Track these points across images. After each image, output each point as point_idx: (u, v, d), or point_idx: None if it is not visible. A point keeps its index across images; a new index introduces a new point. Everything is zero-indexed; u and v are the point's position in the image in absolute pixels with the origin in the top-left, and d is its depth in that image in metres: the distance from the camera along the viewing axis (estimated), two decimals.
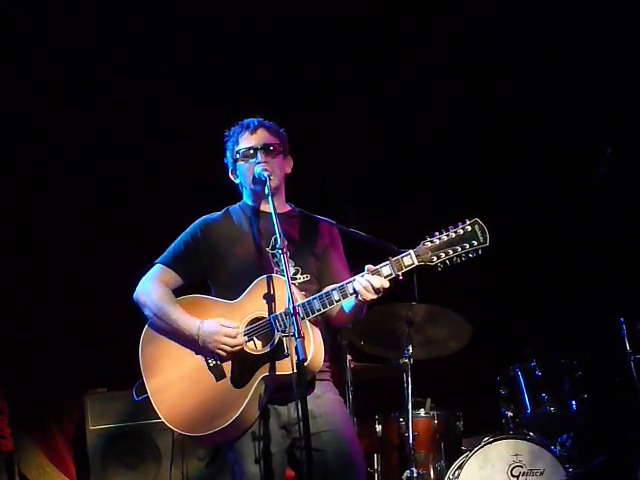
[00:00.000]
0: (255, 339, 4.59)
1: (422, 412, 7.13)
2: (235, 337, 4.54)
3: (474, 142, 8.35)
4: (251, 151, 4.85)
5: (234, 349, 4.54)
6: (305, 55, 8.00)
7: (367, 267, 4.50)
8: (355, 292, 4.47)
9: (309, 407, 4.20)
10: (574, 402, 6.91)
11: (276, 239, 4.55)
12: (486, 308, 7.97)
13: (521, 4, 7.82)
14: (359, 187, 8.11)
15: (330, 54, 8.06)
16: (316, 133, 7.86)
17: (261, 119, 4.97)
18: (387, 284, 4.46)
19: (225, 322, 4.58)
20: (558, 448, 6.82)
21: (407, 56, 8.13)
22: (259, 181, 4.77)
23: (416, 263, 4.47)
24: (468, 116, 8.32)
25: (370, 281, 4.44)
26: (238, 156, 4.89)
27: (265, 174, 4.71)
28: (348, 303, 4.62)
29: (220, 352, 4.56)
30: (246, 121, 4.96)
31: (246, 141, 4.89)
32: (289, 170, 4.97)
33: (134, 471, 7.49)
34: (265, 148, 4.85)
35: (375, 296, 4.46)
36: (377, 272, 4.48)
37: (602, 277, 7.78)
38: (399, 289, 4.81)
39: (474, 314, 6.91)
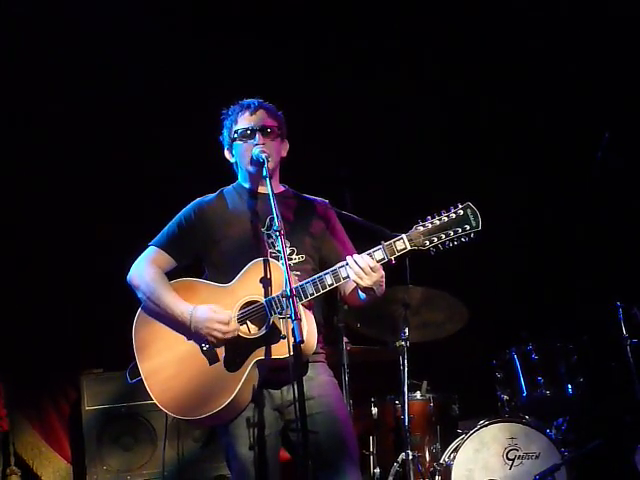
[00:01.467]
0: (249, 323, 4.57)
1: (418, 395, 7.13)
2: (227, 324, 4.53)
3: (474, 129, 8.37)
4: (249, 131, 4.81)
5: (226, 336, 4.52)
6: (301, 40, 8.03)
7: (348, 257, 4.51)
8: (347, 276, 4.47)
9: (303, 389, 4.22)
10: (570, 386, 6.93)
11: (272, 219, 4.56)
12: (482, 291, 7.97)
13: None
14: (357, 170, 8.10)
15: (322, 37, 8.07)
16: (314, 117, 7.88)
17: (261, 100, 4.94)
18: (373, 264, 4.43)
19: (217, 308, 4.56)
20: (554, 432, 6.83)
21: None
22: (257, 162, 4.74)
23: (409, 247, 4.46)
24: (468, 106, 8.34)
25: (357, 262, 4.43)
26: (236, 135, 4.85)
27: (263, 156, 4.68)
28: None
29: (212, 339, 4.55)
30: (246, 101, 4.92)
31: (245, 121, 4.85)
32: (285, 154, 4.94)
33: (129, 452, 7.52)
34: (263, 130, 4.82)
35: (370, 282, 4.44)
36: (370, 256, 4.47)
37: (599, 261, 7.78)
38: (395, 272, 4.81)
39: (470, 297, 6.91)
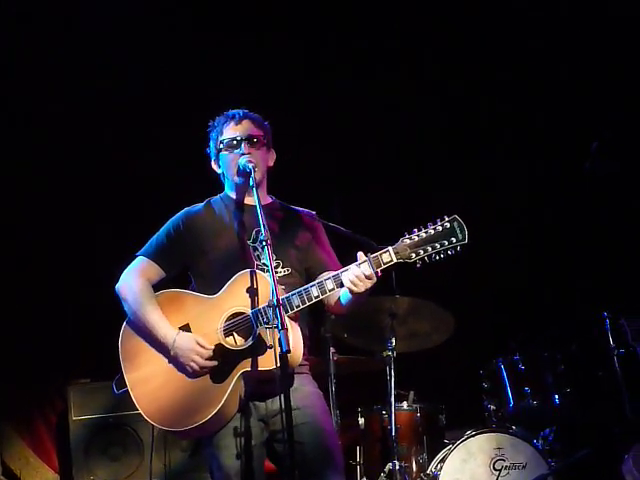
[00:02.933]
0: (235, 334, 4.58)
1: (405, 405, 7.13)
2: (208, 359, 4.53)
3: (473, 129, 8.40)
4: (235, 142, 4.82)
5: (202, 370, 4.54)
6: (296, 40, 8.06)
7: (359, 254, 4.50)
8: (333, 289, 4.50)
9: None
10: (557, 396, 6.93)
11: (257, 232, 4.60)
12: (469, 301, 7.97)
13: None
14: (347, 176, 8.13)
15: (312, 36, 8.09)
16: (305, 124, 7.90)
17: (246, 110, 4.95)
18: (370, 273, 4.45)
19: (201, 341, 4.57)
20: (540, 442, 6.83)
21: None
22: (243, 173, 4.76)
23: (395, 260, 4.47)
24: (468, 106, 8.36)
25: (355, 274, 4.44)
26: (222, 146, 4.87)
27: (250, 166, 4.69)
28: (346, 294, 4.62)
29: (188, 368, 4.57)
30: (231, 112, 4.94)
31: (231, 131, 4.87)
32: (272, 163, 4.95)
33: (117, 462, 7.50)
34: (249, 139, 4.83)
35: (364, 288, 4.46)
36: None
37: (586, 272, 7.80)
38: (382, 282, 4.80)
39: (457, 307, 6.91)
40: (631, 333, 6.58)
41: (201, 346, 4.55)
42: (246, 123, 4.89)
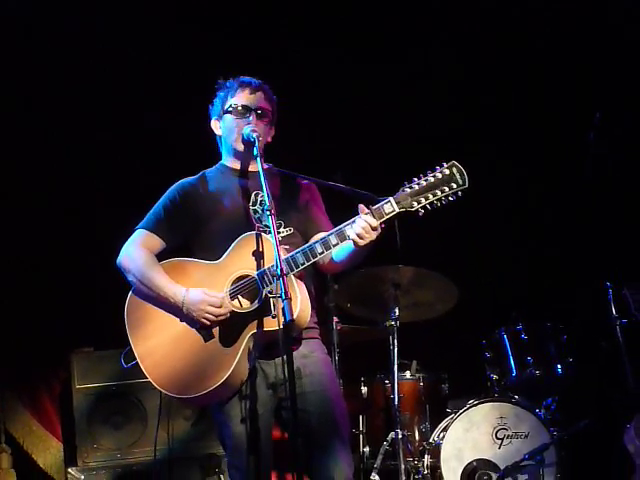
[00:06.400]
0: (240, 297, 4.58)
1: (408, 374, 7.17)
2: (220, 306, 4.54)
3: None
4: (243, 109, 4.82)
5: (218, 319, 4.54)
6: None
7: (360, 207, 4.49)
8: (337, 244, 4.49)
9: (296, 366, 4.24)
10: (559, 366, 6.95)
11: (257, 194, 4.69)
12: (473, 271, 7.98)
13: None
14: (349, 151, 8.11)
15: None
16: (313, 115, 7.94)
17: (262, 82, 4.95)
18: (376, 223, 4.44)
19: (210, 292, 4.57)
20: (543, 411, 6.85)
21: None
22: (247, 142, 4.75)
23: (397, 210, 4.46)
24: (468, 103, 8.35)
25: (366, 221, 4.42)
26: (231, 109, 4.85)
27: (254, 135, 4.68)
28: (343, 250, 4.62)
29: (204, 321, 4.55)
30: (248, 78, 4.92)
31: (244, 98, 4.85)
32: (270, 140, 4.95)
33: (120, 431, 7.48)
34: (259, 111, 4.83)
35: (373, 237, 4.45)
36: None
37: (589, 241, 7.79)
38: (386, 251, 4.79)
39: (461, 277, 6.92)
40: (634, 303, 6.56)
41: (211, 295, 4.55)
42: (260, 94, 4.87)
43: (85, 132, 7.85)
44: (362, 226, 4.43)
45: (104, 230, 6.15)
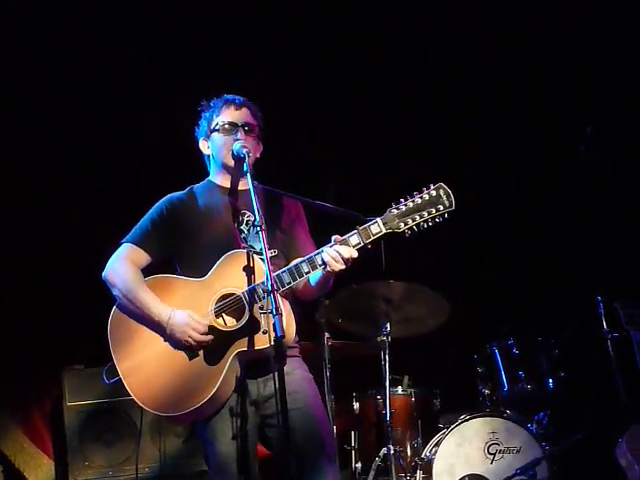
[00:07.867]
0: (224, 315, 4.59)
1: (399, 389, 7.15)
2: (203, 333, 4.54)
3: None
4: (232, 126, 4.86)
5: (200, 344, 4.55)
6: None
7: (334, 237, 4.53)
8: (324, 263, 4.50)
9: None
10: (551, 380, 6.95)
11: (243, 214, 4.74)
12: (464, 286, 7.98)
13: None
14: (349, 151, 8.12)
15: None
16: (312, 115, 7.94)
17: (246, 99, 4.99)
18: (355, 254, 4.50)
19: (195, 316, 4.57)
20: (534, 426, 6.84)
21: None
22: (237, 158, 4.77)
23: (384, 231, 4.51)
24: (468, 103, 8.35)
25: (339, 251, 4.47)
26: (218, 127, 4.89)
27: (244, 151, 4.70)
28: (315, 275, 4.65)
29: (186, 344, 4.56)
30: (231, 96, 4.98)
31: (230, 115, 4.90)
32: (258, 155, 4.97)
33: (111, 448, 7.48)
34: (246, 127, 4.87)
35: (344, 266, 4.49)
36: (345, 242, 4.51)
37: (580, 256, 7.80)
38: (376, 266, 4.79)
39: (452, 292, 6.91)
40: (625, 317, 6.59)
41: (196, 321, 4.55)
42: (245, 110, 4.94)
43: (85, 132, 7.84)
44: (332, 255, 4.46)
45: (96, 248, 6.12)
